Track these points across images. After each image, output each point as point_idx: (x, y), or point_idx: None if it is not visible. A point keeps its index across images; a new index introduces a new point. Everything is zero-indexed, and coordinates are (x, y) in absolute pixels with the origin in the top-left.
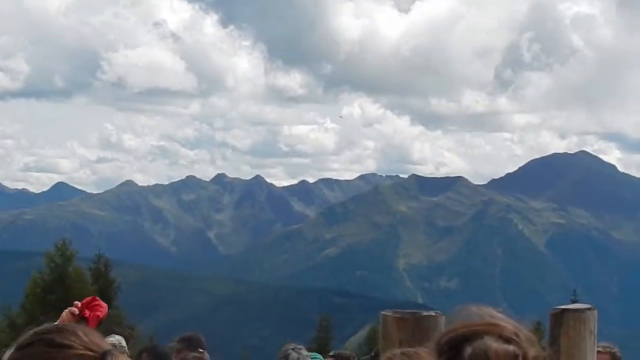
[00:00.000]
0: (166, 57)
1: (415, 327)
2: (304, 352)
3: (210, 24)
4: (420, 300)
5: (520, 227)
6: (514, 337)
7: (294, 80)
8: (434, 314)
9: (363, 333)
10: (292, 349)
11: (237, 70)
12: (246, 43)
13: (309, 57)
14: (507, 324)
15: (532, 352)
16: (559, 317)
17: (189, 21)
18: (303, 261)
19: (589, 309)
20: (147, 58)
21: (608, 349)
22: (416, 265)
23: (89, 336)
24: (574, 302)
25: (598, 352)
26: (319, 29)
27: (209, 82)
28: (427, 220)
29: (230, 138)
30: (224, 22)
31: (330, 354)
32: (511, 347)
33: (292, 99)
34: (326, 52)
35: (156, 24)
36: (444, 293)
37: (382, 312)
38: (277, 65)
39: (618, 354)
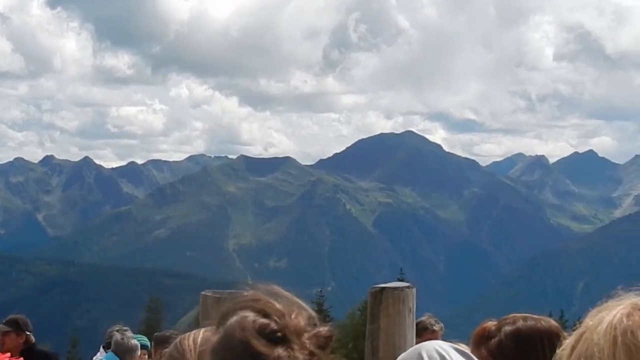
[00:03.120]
0: None
1: None
2: (129, 334)
3: (37, 5)
4: (249, 281)
5: (348, 206)
6: (275, 314)
7: (122, 61)
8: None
9: (193, 314)
10: (117, 331)
11: (65, 51)
12: (74, 24)
13: (137, 37)
14: (274, 302)
15: (292, 329)
16: (378, 296)
17: (15, 2)
18: (133, 242)
19: (407, 287)
20: None
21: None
22: (246, 246)
23: None
24: (400, 280)
25: (434, 330)
26: (147, 10)
27: (37, 64)
28: (256, 200)
29: (58, 120)
30: (51, 3)
31: (156, 334)
32: (268, 322)
33: (120, 80)
34: (155, 33)
35: None
36: (274, 273)
37: (202, 293)
38: (105, 46)
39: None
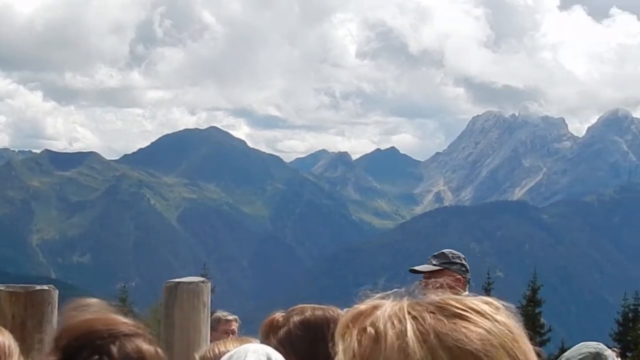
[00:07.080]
0: None
1: (27, 301)
2: None
3: None
4: (53, 276)
5: (152, 202)
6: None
7: None
8: (46, 288)
9: None
10: None
11: None
12: None
13: None
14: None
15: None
16: (173, 290)
17: None
18: None
19: (202, 282)
20: None
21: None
22: (49, 241)
23: None
24: (203, 276)
25: (228, 320)
26: None
27: None
28: (59, 195)
29: None
30: None
31: None
32: None
33: None
34: None
35: None
36: (77, 268)
37: None
38: None
39: None
